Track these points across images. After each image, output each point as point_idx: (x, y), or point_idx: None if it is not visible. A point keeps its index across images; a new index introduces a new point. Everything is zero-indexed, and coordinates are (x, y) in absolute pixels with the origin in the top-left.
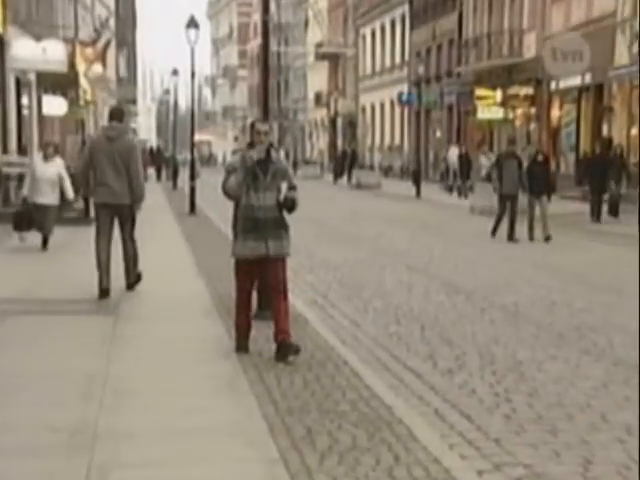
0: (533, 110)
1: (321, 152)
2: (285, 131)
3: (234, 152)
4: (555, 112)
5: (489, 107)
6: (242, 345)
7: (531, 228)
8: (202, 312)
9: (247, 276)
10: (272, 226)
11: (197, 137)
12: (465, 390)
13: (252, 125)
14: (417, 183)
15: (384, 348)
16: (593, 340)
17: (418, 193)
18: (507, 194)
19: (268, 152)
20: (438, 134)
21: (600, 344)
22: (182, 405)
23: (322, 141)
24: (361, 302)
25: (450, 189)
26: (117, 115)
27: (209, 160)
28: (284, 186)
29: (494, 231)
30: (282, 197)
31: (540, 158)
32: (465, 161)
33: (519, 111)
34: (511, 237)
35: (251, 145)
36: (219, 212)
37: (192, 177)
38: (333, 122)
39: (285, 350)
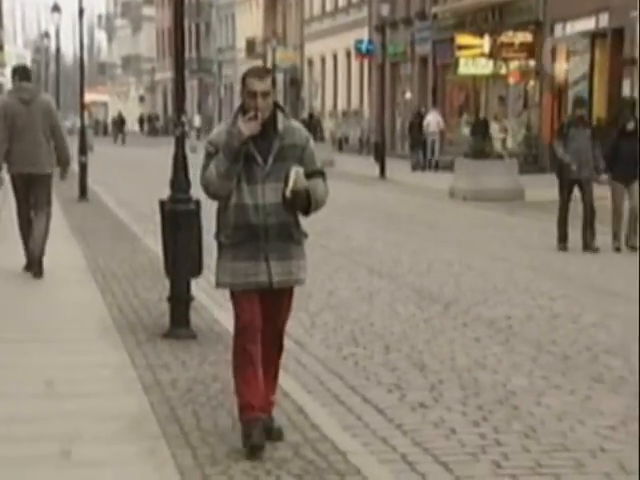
0: (532, 63)
1: None
2: (207, 90)
3: (142, 117)
4: (561, 65)
5: (474, 59)
6: (257, 440)
7: (617, 231)
8: (96, 330)
9: (251, 303)
10: (276, 237)
11: (89, 97)
12: (442, 430)
13: (243, 80)
14: (381, 159)
15: (337, 375)
16: (608, 364)
17: (382, 172)
18: (576, 178)
19: (274, 120)
20: (408, 95)
21: (617, 369)
22: (66, 457)
23: None
24: (307, 315)
25: (423, 167)
26: (25, 74)
27: (119, 127)
28: (293, 171)
29: (564, 237)
30: (288, 190)
31: (631, 127)
32: (480, 130)
33: (513, 64)
34: (589, 243)
35: (243, 111)
36: (118, 197)
37: (82, 150)
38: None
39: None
